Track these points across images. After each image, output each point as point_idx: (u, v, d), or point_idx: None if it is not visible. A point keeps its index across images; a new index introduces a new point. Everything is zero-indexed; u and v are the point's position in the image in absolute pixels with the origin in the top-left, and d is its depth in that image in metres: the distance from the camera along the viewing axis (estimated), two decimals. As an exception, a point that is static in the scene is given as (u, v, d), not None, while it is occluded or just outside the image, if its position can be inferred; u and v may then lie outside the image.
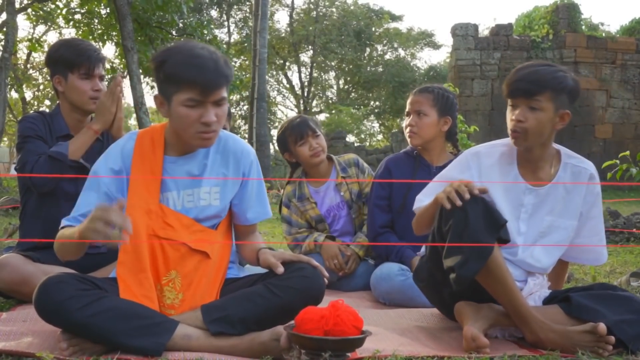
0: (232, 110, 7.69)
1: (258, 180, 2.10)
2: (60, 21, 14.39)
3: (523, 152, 2.13)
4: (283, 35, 26.64)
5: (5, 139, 24.03)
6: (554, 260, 2.19)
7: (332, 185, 3.21)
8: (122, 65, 14.21)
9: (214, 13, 25.32)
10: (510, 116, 2.07)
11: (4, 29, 11.03)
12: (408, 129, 2.95)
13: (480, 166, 2.15)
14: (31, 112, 2.78)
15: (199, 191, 1.98)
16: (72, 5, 13.10)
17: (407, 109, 3.00)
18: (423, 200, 2.17)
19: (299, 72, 27.55)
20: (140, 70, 11.87)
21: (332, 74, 28.36)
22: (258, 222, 2.15)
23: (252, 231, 2.15)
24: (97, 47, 2.73)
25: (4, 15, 11.77)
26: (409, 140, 2.98)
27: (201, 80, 1.80)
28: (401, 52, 27.36)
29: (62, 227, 1.94)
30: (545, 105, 2.01)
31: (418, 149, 3.00)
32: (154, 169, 1.95)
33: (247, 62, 23.77)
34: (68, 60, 2.60)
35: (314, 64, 27.07)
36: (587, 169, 2.17)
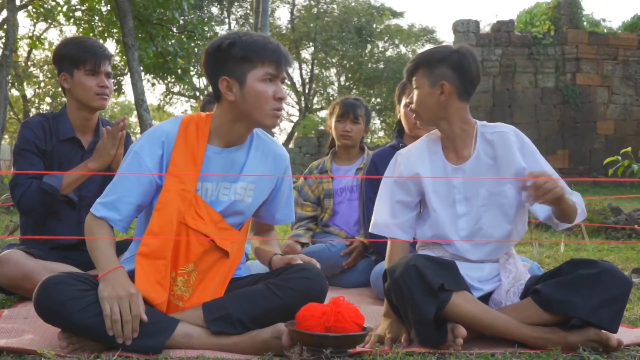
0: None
1: (290, 186, 2.17)
2: (61, 18, 14.37)
3: (442, 133, 2.13)
4: (284, 32, 26.59)
5: (6, 136, 24.04)
6: (509, 226, 2.08)
7: (354, 170, 3.35)
8: (122, 62, 14.21)
9: (214, 10, 25.27)
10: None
11: (5, 27, 11.03)
12: (415, 121, 2.86)
13: (408, 162, 2.15)
14: (35, 113, 2.78)
15: (236, 186, 1.99)
16: (73, 2, 13.09)
17: (411, 100, 2.89)
18: (376, 226, 2.17)
19: (300, 68, 27.51)
20: (141, 68, 11.87)
21: (333, 70, 28.31)
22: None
23: (271, 229, 2.24)
24: (103, 44, 2.73)
25: (4, 13, 11.77)
26: (418, 131, 2.84)
27: (278, 55, 1.90)
28: (402, 49, 27.30)
29: (98, 217, 1.89)
30: (420, 82, 2.08)
31: (405, 142, 2.99)
32: (195, 157, 1.94)
33: (248, 59, 23.70)
34: (74, 57, 2.60)
35: (315, 61, 27.03)
36: (505, 131, 2.09)
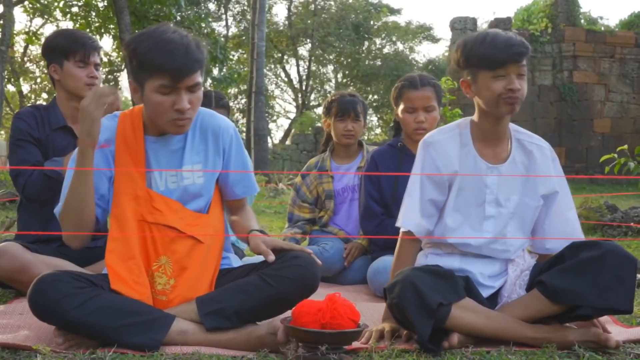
0: (230, 104, 7.71)
1: (242, 155, 2.08)
2: (58, 14, 14.33)
3: (487, 127, 2.04)
4: (281, 28, 26.55)
5: (2, 132, 23.98)
6: (524, 241, 2.12)
7: (354, 167, 3.29)
8: (119, 59, 14.18)
9: (211, 6, 25.18)
10: (500, 85, 1.94)
11: (1, 22, 10.99)
12: (416, 126, 2.85)
13: (440, 154, 2.06)
14: (27, 105, 2.79)
15: (181, 171, 1.97)
16: (69, -3, 13.05)
17: (410, 105, 2.86)
18: (407, 220, 2.07)
19: (297, 65, 27.50)
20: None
21: (330, 67, 28.30)
22: (247, 197, 2.15)
23: (242, 205, 2.15)
24: (93, 36, 2.76)
25: (0, 8, 11.73)
26: (417, 137, 2.81)
27: (171, 66, 1.78)
28: (400, 46, 27.30)
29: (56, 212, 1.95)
30: (525, 70, 2.00)
31: (403, 141, 2.98)
32: (137, 152, 1.94)
33: (245, 56, 23.70)
34: (64, 48, 2.63)
35: (312, 58, 27.00)
36: (543, 146, 2.12)
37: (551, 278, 1.90)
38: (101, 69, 2.75)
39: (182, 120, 1.85)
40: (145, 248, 1.89)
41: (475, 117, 2.09)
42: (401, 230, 2.12)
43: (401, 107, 2.92)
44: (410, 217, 2.07)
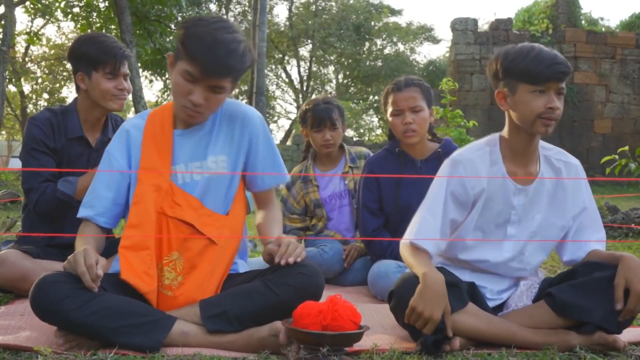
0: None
1: (270, 144, 2.07)
2: (59, 14, 14.33)
3: (518, 144, 1.98)
4: (282, 29, 26.55)
5: (3, 132, 23.99)
6: (544, 258, 2.09)
7: (339, 173, 3.24)
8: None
9: (212, 7, 25.18)
10: (540, 103, 1.87)
11: (2, 22, 11.00)
12: (404, 128, 2.77)
13: (469, 174, 1.97)
14: (44, 108, 2.67)
15: (206, 162, 1.98)
16: (71, -2, 13.05)
17: (396, 108, 2.80)
18: (424, 239, 1.94)
19: (298, 66, 27.48)
20: (139, 64, 11.85)
21: (331, 68, 28.29)
22: (274, 189, 2.13)
23: (270, 200, 2.15)
24: (122, 44, 2.63)
25: (2, 8, 11.73)
26: (407, 139, 2.81)
27: (204, 61, 1.80)
28: (400, 47, 27.29)
29: (80, 218, 2.00)
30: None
31: (400, 145, 2.90)
32: (164, 146, 1.96)
33: (246, 56, 23.64)
34: (93, 58, 2.52)
35: (313, 58, 26.99)
36: (575, 164, 2.08)
37: (560, 292, 1.89)
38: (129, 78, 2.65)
39: (192, 111, 1.88)
40: (160, 241, 1.90)
41: (505, 132, 2.01)
42: (410, 242, 1.96)
43: (389, 111, 2.85)
44: (428, 236, 1.95)
